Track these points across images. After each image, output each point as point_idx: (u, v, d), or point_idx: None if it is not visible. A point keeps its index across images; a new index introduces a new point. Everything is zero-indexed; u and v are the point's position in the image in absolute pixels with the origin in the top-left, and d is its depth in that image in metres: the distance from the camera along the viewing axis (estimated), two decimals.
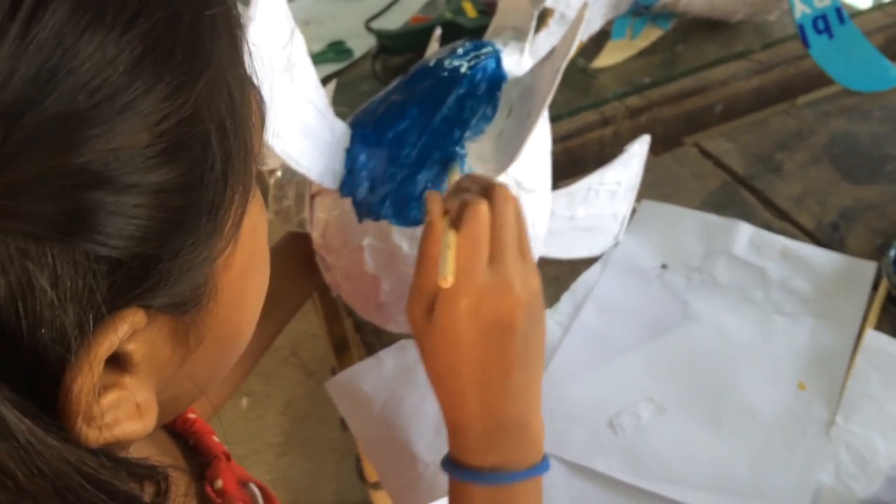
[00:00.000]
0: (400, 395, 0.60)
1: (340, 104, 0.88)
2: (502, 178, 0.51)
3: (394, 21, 1.03)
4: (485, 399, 0.43)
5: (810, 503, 0.51)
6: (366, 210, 0.51)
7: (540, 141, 0.56)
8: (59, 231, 0.20)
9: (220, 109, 0.25)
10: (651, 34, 0.91)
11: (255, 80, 0.29)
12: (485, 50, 0.57)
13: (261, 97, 0.29)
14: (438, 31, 0.72)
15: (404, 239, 0.51)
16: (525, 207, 0.53)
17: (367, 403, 0.61)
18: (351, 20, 1.04)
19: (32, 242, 0.20)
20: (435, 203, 0.44)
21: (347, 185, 0.52)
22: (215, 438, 0.42)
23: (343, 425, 0.62)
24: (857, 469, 0.52)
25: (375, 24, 1.03)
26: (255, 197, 0.30)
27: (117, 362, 0.24)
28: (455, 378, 0.43)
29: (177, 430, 0.42)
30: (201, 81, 0.23)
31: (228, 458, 0.41)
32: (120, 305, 0.23)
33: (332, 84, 0.93)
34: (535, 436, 0.45)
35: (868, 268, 0.65)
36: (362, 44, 0.99)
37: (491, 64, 0.56)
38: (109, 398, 0.24)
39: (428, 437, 0.57)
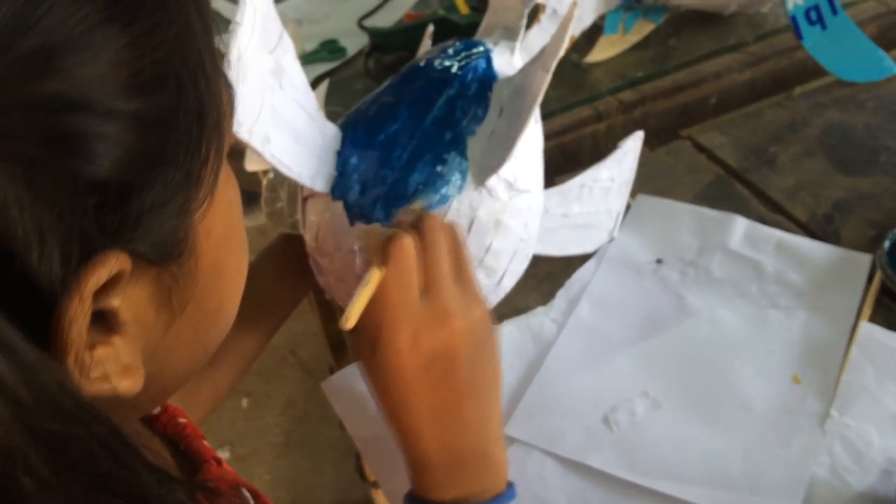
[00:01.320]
0: None
1: (334, 103, 0.87)
2: (494, 179, 0.51)
3: (387, 19, 1.03)
4: (439, 432, 0.42)
5: (805, 496, 0.51)
6: (357, 213, 0.51)
7: (532, 141, 0.56)
8: (44, 151, 0.21)
9: (192, 62, 0.26)
10: (643, 28, 0.91)
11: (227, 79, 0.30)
12: (475, 49, 0.57)
13: (231, 89, 0.30)
14: (431, 29, 0.72)
15: None
16: (518, 208, 0.53)
17: (363, 403, 0.61)
18: (344, 18, 1.04)
19: (20, 164, 0.21)
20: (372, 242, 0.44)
21: (339, 187, 0.51)
22: (206, 443, 0.42)
23: (342, 424, 0.62)
24: (851, 462, 0.53)
25: (368, 22, 1.03)
26: (229, 174, 0.31)
27: (105, 321, 0.25)
28: (406, 414, 0.42)
29: (168, 435, 0.42)
30: (171, 30, 0.25)
31: (220, 462, 0.41)
32: (106, 245, 0.24)
33: (325, 83, 0.92)
34: (497, 465, 0.44)
35: (863, 260, 0.65)
36: (355, 42, 0.98)
37: (481, 64, 0.55)
38: (98, 353, 0.25)
39: None
